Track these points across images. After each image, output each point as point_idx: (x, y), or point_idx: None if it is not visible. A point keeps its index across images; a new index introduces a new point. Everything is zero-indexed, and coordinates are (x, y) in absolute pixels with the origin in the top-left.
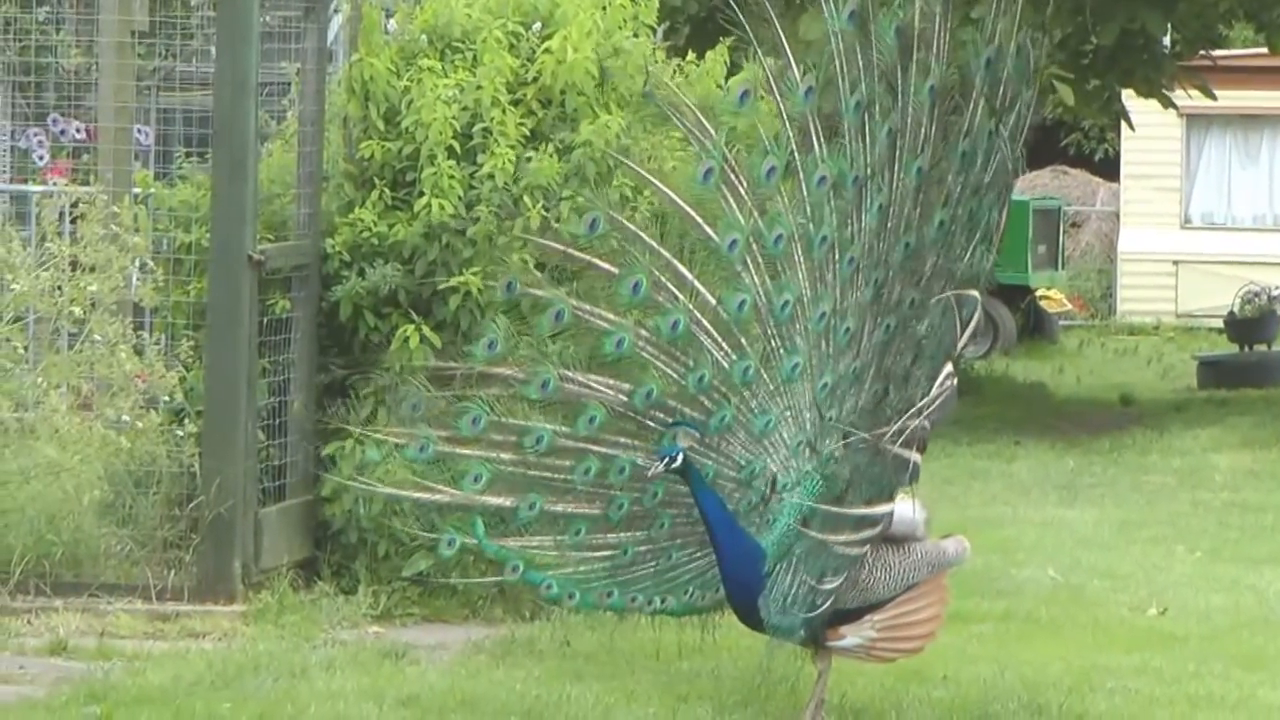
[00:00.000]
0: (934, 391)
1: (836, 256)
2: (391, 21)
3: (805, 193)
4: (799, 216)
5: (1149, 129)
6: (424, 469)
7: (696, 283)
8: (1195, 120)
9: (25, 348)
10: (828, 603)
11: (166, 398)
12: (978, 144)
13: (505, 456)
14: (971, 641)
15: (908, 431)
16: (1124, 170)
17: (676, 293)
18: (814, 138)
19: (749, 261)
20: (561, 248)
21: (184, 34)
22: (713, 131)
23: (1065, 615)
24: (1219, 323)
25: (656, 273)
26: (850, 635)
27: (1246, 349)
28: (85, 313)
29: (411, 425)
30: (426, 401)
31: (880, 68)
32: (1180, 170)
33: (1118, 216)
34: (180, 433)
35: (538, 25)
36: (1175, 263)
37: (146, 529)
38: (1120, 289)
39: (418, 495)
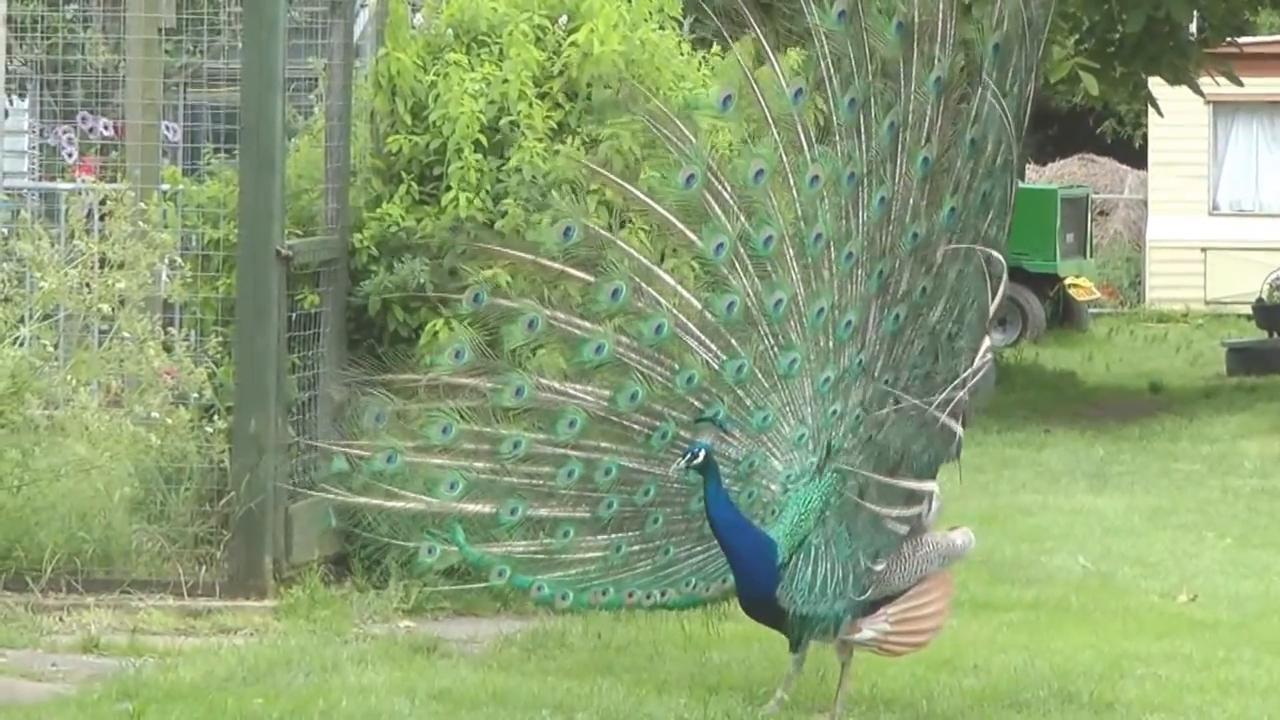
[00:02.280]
0: (977, 362)
1: (834, 253)
2: (418, 16)
3: (796, 193)
4: (790, 216)
5: (1175, 116)
6: (394, 478)
7: (679, 287)
8: (1222, 107)
9: (54, 345)
10: (875, 586)
11: (196, 394)
12: (988, 130)
13: (479, 465)
14: (1002, 630)
15: (954, 403)
16: (1151, 158)
17: (659, 297)
18: (803, 138)
19: (736, 264)
20: (532, 257)
21: (211, 30)
22: (693, 138)
23: (1095, 603)
24: (1248, 309)
25: (637, 278)
26: (866, 629)
27: (1275, 335)
28: (114, 309)
29: (374, 436)
30: (388, 413)
31: (878, 64)
32: (1207, 157)
33: (1145, 204)
34: (210, 429)
35: (564, 19)
36: (1203, 249)
37: (177, 525)
38: (1149, 276)
39: (390, 504)
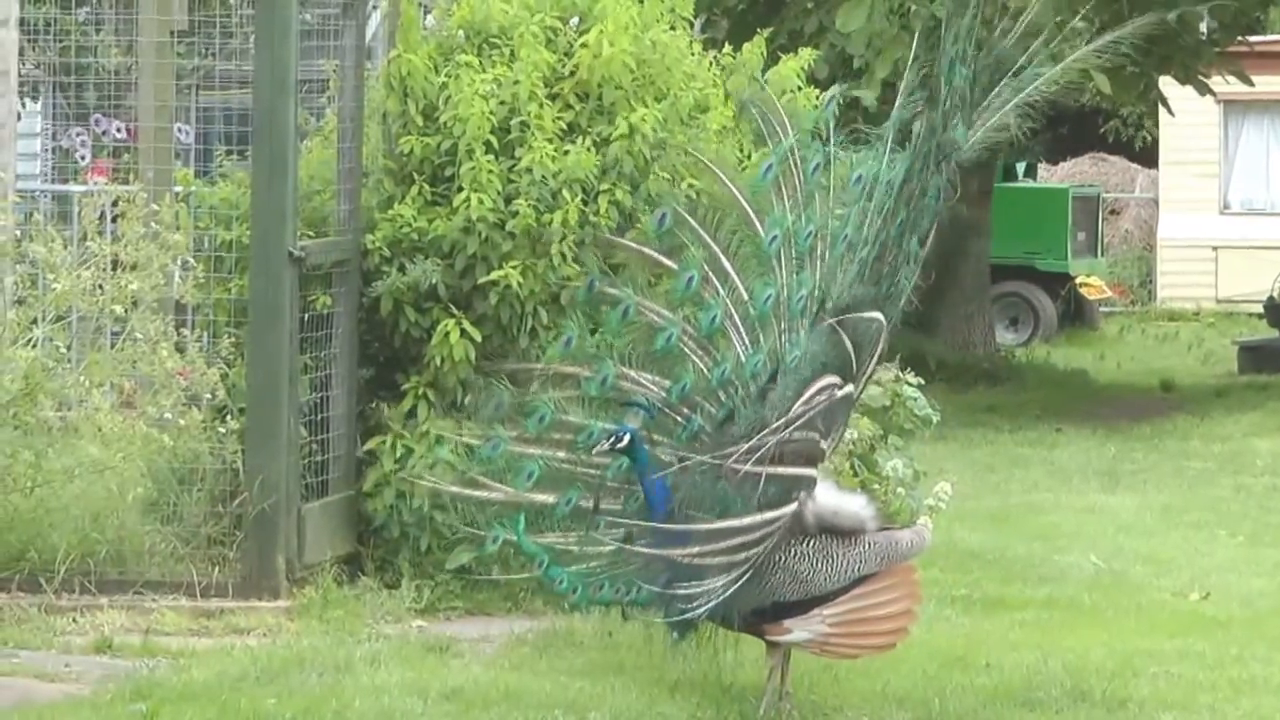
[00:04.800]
0: (797, 408)
1: (850, 254)
2: (429, 17)
3: (844, 192)
4: (830, 215)
5: (1187, 115)
6: (484, 467)
7: (737, 278)
8: (1233, 106)
9: (67, 346)
10: (695, 610)
11: (209, 395)
12: (944, 149)
13: (560, 454)
14: (1014, 628)
15: (763, 450)
16: (1162, 156)
17: (719, 287)
18: (883, 146)
19: (783, 257)
20: (638, 247)
21: (223, 32)
22: (793, 134)
23: (1108, 601)
24: (1259, 308)
25: (706, 268)
26: (798, 630)
27: None
28: (127, 311)
29: (489, 426)
30: (508, 402)
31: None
32: (1218, 156)
33: (1157, 203)
34: (223, 430)
35: (575, 20)
36: (1215, 248)
37: (190, 526)
38: (1160, 275)
39: (474, 493)
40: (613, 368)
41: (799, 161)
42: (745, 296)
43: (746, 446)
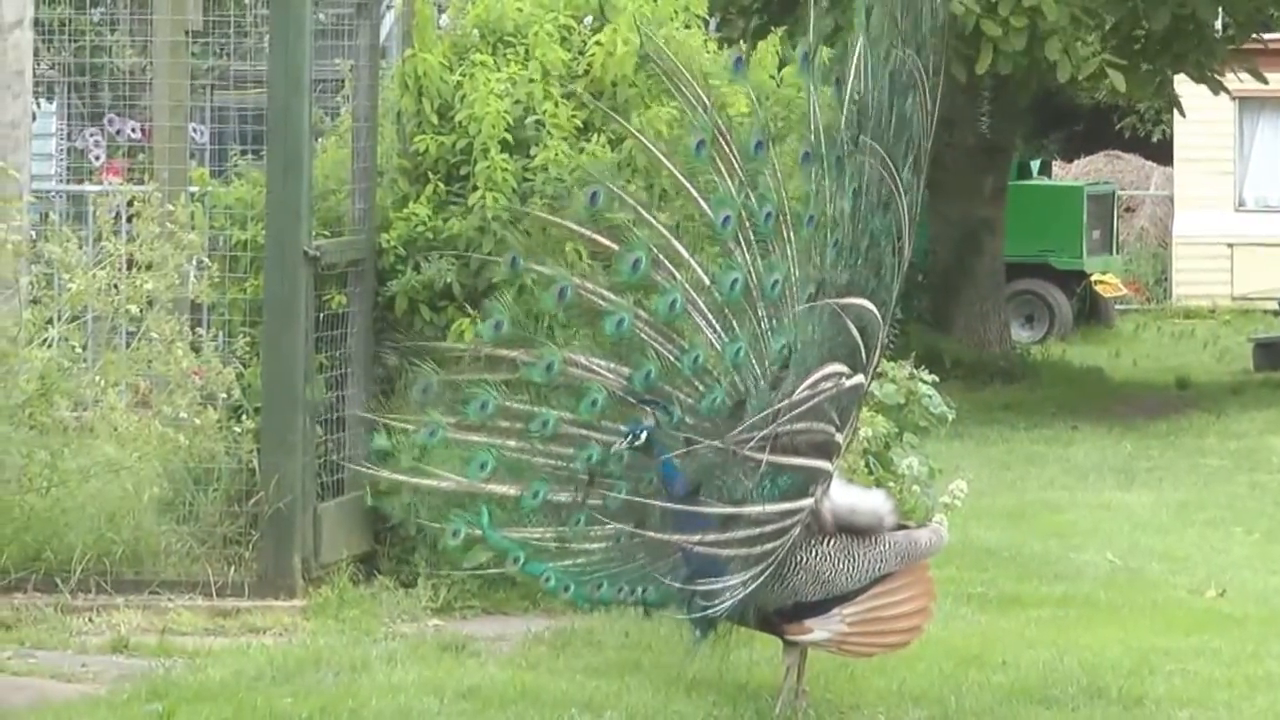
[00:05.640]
0: (803, 392)
1: (819, 236)
2: (444, 17)
3: (799, 171)
4: (786, 193)
5: (1201, 113)
6: (432, 456)
7: (692, 261)
8: (1247, 103)
9: (83, 346)
10: (718, 607)
11: (224, 394)
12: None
13: (511, 443)
14: (1030, 626)
15: (762, 436)
16: (1177, 154)
17: (674, 271)
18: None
19: (741, 239)
20: (568, 224)
21: (238, 32)
22: (708, 101)
23: (1124, 598)
24: (1274, 304)
25: (656, 250)
26: (818, 629)
27: None
28: (142, 310)
29: (421, 409)
30: (436, 385)
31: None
32: (1233, 153)
33: (1172, 200)
34: (238, 429)
35: (589, 19)
36: (1230, 245)
37: (206, 525)
38: (1175, 272)
39: (424, 482)
40: (558, 353)
41: (732, 135)
42: (706, 281)
43: (750, 423)
